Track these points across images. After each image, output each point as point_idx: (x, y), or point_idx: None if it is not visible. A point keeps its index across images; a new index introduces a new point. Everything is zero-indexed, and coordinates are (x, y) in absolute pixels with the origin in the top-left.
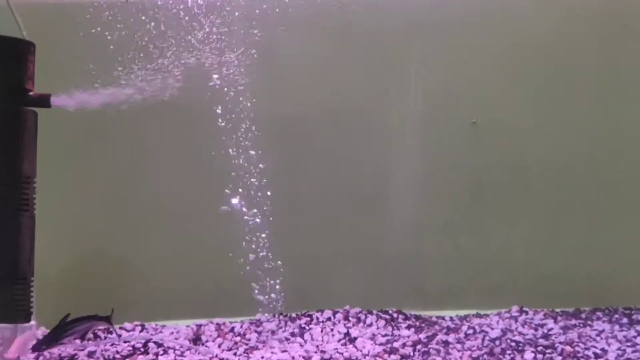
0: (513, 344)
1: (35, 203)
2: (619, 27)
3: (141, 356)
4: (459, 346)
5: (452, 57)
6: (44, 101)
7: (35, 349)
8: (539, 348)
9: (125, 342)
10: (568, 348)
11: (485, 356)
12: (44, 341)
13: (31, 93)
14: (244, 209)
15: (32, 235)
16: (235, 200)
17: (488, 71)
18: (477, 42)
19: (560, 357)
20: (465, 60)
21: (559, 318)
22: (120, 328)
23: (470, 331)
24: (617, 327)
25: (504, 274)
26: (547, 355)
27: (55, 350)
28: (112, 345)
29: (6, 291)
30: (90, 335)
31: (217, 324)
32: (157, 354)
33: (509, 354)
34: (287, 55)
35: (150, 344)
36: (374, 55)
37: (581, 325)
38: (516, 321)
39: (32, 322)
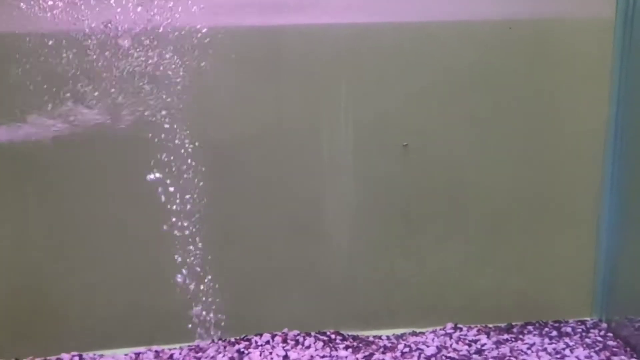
0: None
1: None
2: (543, 51)
3: None
4: None
5: (383, 82)
6: None
7: None
8: None
9: None
10: None
11: None
12: None
13: None
14: (179, 235)
15: None
16: (169, 226)
17: (419, 96)
18: (407, 68)
19: None
20: (397, 85)
21: (492, 333)
22: (57, 359)
23: (407, 349)
24: (547, 340)
25: (438, 293)
26: None
27: None
28: None
29: None
30: None
31: (156, 351)
32: None
33: None
34: (217, 82)
35: None
36: (305, 81)
37: (513, 339)
38: (451, 338)
39: None
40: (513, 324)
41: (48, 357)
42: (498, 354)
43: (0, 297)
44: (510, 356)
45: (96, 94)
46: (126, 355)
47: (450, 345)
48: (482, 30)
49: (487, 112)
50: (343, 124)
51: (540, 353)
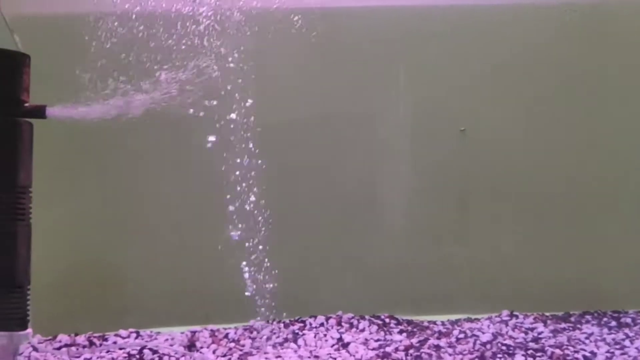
0: (504, 347)
1: (31, 212)
2: (606, 35)
3: None
4: (450, 350)
5: (442, 65)
6: (39, 112)
7: None
8: (529, 351)
9: (120, 349)
10: (558, 351)
11: None
12: None
13: (27, 104)
14: (237, 216)
15: (28, 244)
16: (229, 208)
17: (477, 79)
18: (466, 50)
19: None
20: (455, 67)
21: (549, 322)
22: (115, 335)
23: (462, 335)
24: (605, 330)
25: (494, 280)
26: (538, 359)
27: (51, 358)
28: (107, 352)
29: (2, 300)
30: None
31: (212, 330)
32: None
33: (500, 358)
34: (277, 63)
35: (146, 351)
36: (363, 63)
37: (570, 328)
38: (507, 325)
39: (29, 331)
40: (570, 312)
41: (106, 333)
42: (555, 342)
43: (61, 274)
44: (567, 345)
45: (162, 74)
46: (182, 333)
47: (506, 332)
48: (544, 14)
49: (547, 97)
50: (401, 108)
51: (599, 343)
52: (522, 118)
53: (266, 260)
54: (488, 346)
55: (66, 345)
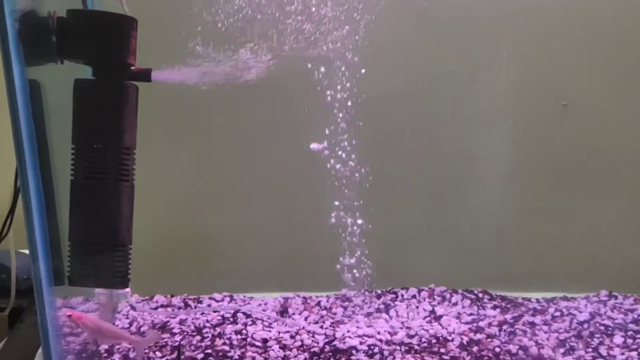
0: (602, 327)
1: (134, 174)
2: None
3: (230, 326)
4: (545, 328)
5: (544, 40)
6: (145, 76)
7: None
8: (629, 332)
9: (214, 311)
10: None
11: (573, 339)
12: None
13: (133, 67)
14: (333, 185)
15: (131, 205)
16: (324, 175)
17: (579, 54)
18: (569, 25)
19: None
20: (557, 42)
21: None
22: (210, 298)
23: (558, 314)
24: None
25: (591, 259)
26: (638, 340)
27: (148, 317)
28: (202, 314)
29: (105, 258)
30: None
31: (304, 297)
32: (245, 324)
33: (598, 338)
34: (380, 38)
35: (239, 315)
36: (465, 37)
37: None
38: (605, 305)
39: (128, 290)
40: None
41: (201, 296)
42: None
43: (159, 236)
44: None
45: (269, 43)
46: (275, 299)
47: (605, 312)
48: None
49: None
50: (502, 81)
51: None
52: (626, 93)
53: (361, 229)
54: (585, 325)
55: (162, 306)
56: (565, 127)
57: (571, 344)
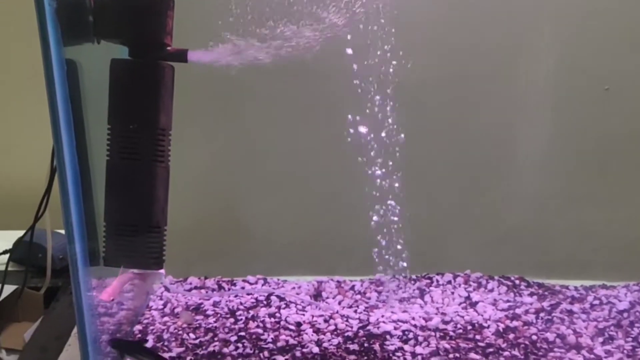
0: None
1: (170, 155)
2: None
3: (264, 309)
4: (584, 316)
5: (587, 22)
6: (180, 56)
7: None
8: None
9: (248, 294)
10: None
11: (612, 328)
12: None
13: (169, 48)
14: (368, 169)
15: (166, 186)
16: (359, 158)
17: (622, 35)
18: (612, 3)
19: None
20: (601, 24)
21: None
22: (244, 280)
23: (597, 302)
24: None
25: (632, 247)
26: None
27: (182, 299)
28: (235, 296)
29: (140, 239)
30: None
31: (338, 281)
32: (279, 308)
33: (638, 327)
34: (420, 16)
35: (273, 298)
36: (504, 20)
37: None
38: None
39: (162, 271)
40: None
41: (235, 278)
42: None
43: (194, 218)
44: None
45: (300, 23)
46: (308, 282)
47: None
48: None
49: None
50: (542, 64)
51: None
52: None
53: (396, 213)
54: (625, 314)
55: (196, 288)
56: (607, 111)
57: (610, 333)
